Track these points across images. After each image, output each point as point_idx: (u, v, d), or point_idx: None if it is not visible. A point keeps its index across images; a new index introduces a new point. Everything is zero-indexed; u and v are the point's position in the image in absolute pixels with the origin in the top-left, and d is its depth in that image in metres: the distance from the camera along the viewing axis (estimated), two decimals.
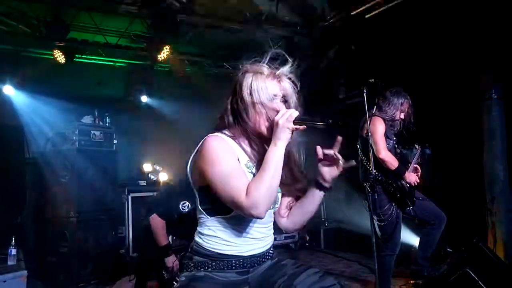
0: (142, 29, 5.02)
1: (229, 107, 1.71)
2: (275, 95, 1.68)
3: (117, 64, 6.28)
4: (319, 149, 1.68)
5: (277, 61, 1.73)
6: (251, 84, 1.67)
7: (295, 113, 1.59)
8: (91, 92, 5.97)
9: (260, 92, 1.66)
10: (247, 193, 1.52)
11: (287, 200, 1.85)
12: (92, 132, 4.99)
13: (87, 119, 5.20)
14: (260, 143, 1.70)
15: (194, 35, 5.51)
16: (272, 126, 1.61)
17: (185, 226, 3.07)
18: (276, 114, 1.62)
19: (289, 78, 1.73)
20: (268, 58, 1.73)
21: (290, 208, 1.85)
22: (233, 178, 1.56)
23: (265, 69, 1.71)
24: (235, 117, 1.69)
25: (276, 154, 1.58)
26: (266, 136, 1.65)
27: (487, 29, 4.28)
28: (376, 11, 5.10)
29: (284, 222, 1.87)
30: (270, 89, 1.67)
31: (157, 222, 3.29)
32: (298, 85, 1.74)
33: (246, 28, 5.42)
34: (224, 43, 6.19)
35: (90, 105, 5.34)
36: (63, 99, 5.48)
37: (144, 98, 6.49)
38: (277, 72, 1.71)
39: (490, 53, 4.37)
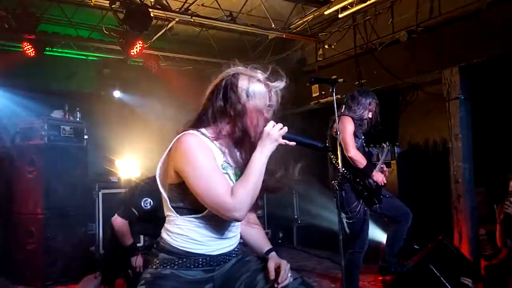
0: (115, 23, 4.94)
1: (216, 105, 1.67)
2: (266, 104, 1.68)
3: (89, 58, 6.16)
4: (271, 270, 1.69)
5: (272, 74, 1.72)
6: (248, 87, 1.65)
7: (285, 129, 1.62)
8: (61, 86, 5.84)
9: (258, 98, 1.65)
10: (232, 195, 1.52)
11: None
12: (62, 127, 4.89)
13: (57, 114, 5.10)
14: (239, 147, 1.69)
15: (168, 31, 5.46)
16: (260, 133, 1.62)
17: (151, 224, 3.05)
18: (264, 123, 1.62)
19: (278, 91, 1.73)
20: (268, 71, 1.72)
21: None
22: (214, 179, 1.55)
23: (260, 75, 1.70)
24: (221, 116, 1.66)
25: (261, 161, 1.59)
26: (248, 142, 1.64)
27: None
28: (350, 11, 5.16)
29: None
30: (265, 97, 1.68)
31: (118, 222, 3.26)
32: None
33: (221, 25, 5.40)
34: (198, 40, 6.17)
35: (61, 99, 5.22)
36: (32, 92, 5.35)
37: (117, 93, 6.39)
38: (271, 84, 1.70)
39: None
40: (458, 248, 3.99)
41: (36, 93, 5.34)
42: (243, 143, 1.65)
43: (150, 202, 3.15)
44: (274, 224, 6.44)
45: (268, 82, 1.69)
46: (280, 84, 1.72)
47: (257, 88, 1.66)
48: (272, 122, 1.62)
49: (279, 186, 1.78)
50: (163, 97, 6.30)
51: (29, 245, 4.53)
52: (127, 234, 3.28)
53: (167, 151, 1.68)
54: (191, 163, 1.55)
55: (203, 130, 1.68)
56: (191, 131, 1.64)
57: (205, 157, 1.57)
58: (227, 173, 1.65)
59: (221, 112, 1.65)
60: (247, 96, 1.64)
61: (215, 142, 1.67)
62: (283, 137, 1.62)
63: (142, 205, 3.16)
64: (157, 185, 1.72)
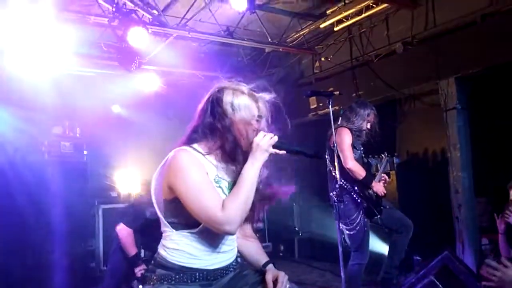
0: (113, 39, 4.99)
1: (205, 121, 1.70)
2: (253, 115, 1.70)
3: (88, 74, 6.20)
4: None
5: (258, 87, 1.76)
6: (232, 101, 1.68)
7: (275, 138, 1.64)
8: (61, 102, 5.86)
9: (243, 110, 1.67)
10: (223, 209, 1.54)
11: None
12: (62, 143, 4.91)
13: (57, 130, 5.12)
14: (232, 160, 1.69)
15: (167, 46, 5.51)
16: (248, 145, 1.64)
17: (152, 238, 3.05)
18: (255, 134, 1.65)
19: (266, 101, 1.75)
20: (254, 85, 1.76)
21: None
22: (206, 193, 1.57)
23: (245, 88, 1.73)
24: (211, 131, 1.68)
25: (252, 174, 1.61)
26: (241, 154, 1.66)
27: None
28: (345, 24, 5.23)
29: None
30: (251, 108, 1.70)
31: (123, 231, 3.30)
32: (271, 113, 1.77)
33: (218, 40, 5.46)
34: (196, 54, 6.22)
35: (60, 115, 5.24)
36: (32, 109, 5.36)
37: (116, 108, 6.42)
38: (257, 95, 1.73)
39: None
40: (461, 259, 3.97)
41: (36, 109, 5.35)
42: (235, 156, 1.67)
43: (155, 212, 3.17)
44: (275, 237, 6.42)
45: (253, 93, 1.73)
46: (266, 94, 1.75)
47: (241, 101, 1.69)
48: (262, 133, 1.65)
49: (273, 194, 1.79)
50: (163, 112, 6.32)
51: (28, 259, 4.51)
52: (131, 243, 3.32)
53: (160, 166, 1.71)
54: (183, 179, 1.58)
55: (195, 145, 1.70)
56: (183, 147, 1.67)
57: (196, 173, 1.60)
58: (220, 187, 1.67)
59: (211, 128, 1.68)
60: (232, 109, 1.67)
61: (207, 157, 1.69)
62: (274, 146, 1.64)
63: (147, 213, 3.18)
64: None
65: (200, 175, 1.60)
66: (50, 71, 5.20)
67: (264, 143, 1.62)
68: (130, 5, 4.60)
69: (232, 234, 1.61)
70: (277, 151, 1.65)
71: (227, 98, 1.68)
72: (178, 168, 1.60)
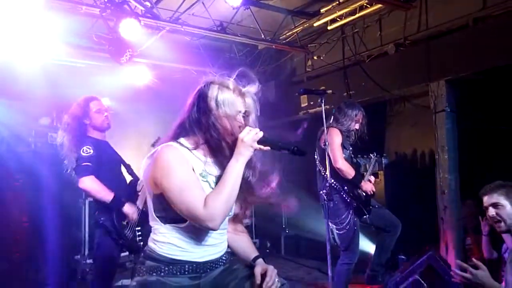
0: (104, 31, 4.93)
1: (192, 116, 1.70)
2: (239, 111, 1.70)
3: (77, 65, 6.11)
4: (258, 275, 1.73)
5: (243, 79, 1.77)
6: (217, 96, 1.68)
7: (260, 133, 1.64)
8: (49, 93, 5.78)
9: (227, 106, 1.67)
10: (205, 205, 1.55)
11: (239, 208, 1.86)
12: (50, 134, 4.85)
13: (44, 121, 5.05)
14: (219, 155, 1.70)
15: (159, 39, 5.46)
16: (235, 140, 1.64)
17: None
18: (240, 129, 1.65)
19: (253, 96, 1.76)
20: (235, 74, 1.76)
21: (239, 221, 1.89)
22: (189, 190, 1.58)
23: (231, 83, 1.73)
24: (198, 126, 1.69)
25: (236, 169, 1.62)
26: (227, 149, 1.67)
27: None
28: (338, 23, 5.24)
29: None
30: (236, 104, 1.69)
31: (85, 182, 3.01)
32: (258, 107, 1.78)
33: (211, 35, 5.43)
34: (189, 49, 6.18)
35: (48, 106, 5.17)
36: (19, 99, 5.28)
37: (106, 101, 6.34)
38: (243, 89, 1.74)
39: None
40: (445, 259, 4.03)
41: (24, 100, 5.27)
42: (222, 151, 1.68)
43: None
44: (262, 233, 6.43)
45: (240, 89, 1.73)
46: (251, 88, 1.76)
47: (226, 96, 1.69)
48: (247, 128, 1.65)
49: (268, 197, 1.80)
50: (152, 105, 6.27)
51: (14, 253, 4.46)
52: (103, 188, 3.04)
53: (146, 157, 1.72)
54: (167, 177, 1.59)
55: (182, 140, 1.71)
56: (169, 143, 1.68)
57: (180, 170, 1.61)
58: (207, 181, 1.68)
59: (197, 122, 1.69)
60: (217, 105, 1.67)
61: (194, 151, 1.70)
62: (258, 142, 1.64)
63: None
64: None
65: (184, 172, 1.61)
66: (39, 61, 5.12)
67: (249, 138, 1.62)
68: None
69: (214, 230, 1.61)
70: (262, 146, 1.65)
71: (213, 93, 1.69)
72: (162, 165, 1.61)
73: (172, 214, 1.63)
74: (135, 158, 3.83)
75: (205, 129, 1.67)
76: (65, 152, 3.10)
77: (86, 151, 3.05)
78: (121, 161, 3.48)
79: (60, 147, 3.14)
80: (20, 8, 4.13)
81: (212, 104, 1.67)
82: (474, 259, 2.07)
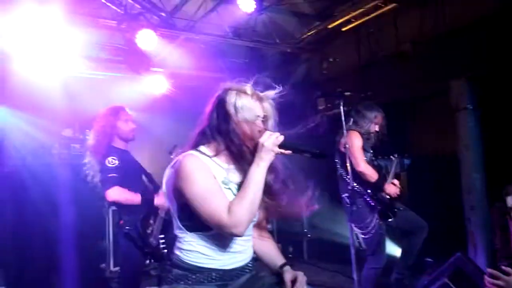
0: (122, 42, 5.03)
1: (212, 123, 1.72)
2: (258, 116, 1.71)
3: (97, 77, 6.22)
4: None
5: (261, 83, 1.78)
6: (235, 102, 1.69)
7: (281, 137, 1.64)
8: (71, 105, 5.89)
9: (245, 111, 1.69)
10: (229, 212, 1.55)
11: (262, 214, 1.85)
12: (72, 145, 4.95)
13: (67, 132, 5.16)
14: (241, 161, 1.71)
15: (175, 48, 5.53)
16: (255, 146, 1.65)
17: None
18: (259, 134, 1.65)
19: (271, 101, 1.77)
20: (252, 80, 1.78)
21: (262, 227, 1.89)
22: (212, 198, 1.59)
23: (248, 88, 1.74)
24: (218, 133, 1.70)
25: (258, 174, 1.62)
26: (249, 154, 1.67)
27: None
28: (353, 24, 5.20)
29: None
30: (254, 109, 1.70)
31: (112, 192, 3.07)
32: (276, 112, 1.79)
33: (226, 41, 5.46)
34: (205, 56, 6.22)
35: (70, 118, 5.26)
36: (43, 112, 5.40)
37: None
38: (261, 94, 1.75)
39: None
40: (474, 261, 3.92)
41: (46, 113, 5.39)
42: (243, 157, 1.69)
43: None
44: (283, 238, 6.39)
45: (258, 94, 1.74)
46: (269, 93, 1.77)
47: (244, 102, 1.70)
48: (268, 132, 1.65)
49: (290, 204, 1.79)
50: (169, 113, 6.32)
51: (39, 261, 4.54)
52: (130, 193, 3.11)
53: (169, 167, 1.73)
54: (189, 185, 1.61)
55: (202, 148, 1.73)
56: (190, 152, 1.70)
57: (202, 178, 1.62)
58: (229, 188, 1.69)
59: (217, 130, 1.71)
60: (235, 111, 1.68)
61: (215, 159, 1.71)
62: (279, 146, 1.64)
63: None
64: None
65: (206, 180, 1.62)
66: (59, 74, 5.24)
67: (269, 143, 1.62)
68: (138, 7, 4.62)
69: (240, 236, 1.62)
70: (283, 150, 1.66)
71: (231, 99, 1.70)
72: (185, 174, 1.63)
73: (197, 223, 1.64)
74: (153, 166, 3.89)
75: (225, 135, 1.68)
76: (90, 162, 3.16)
77: (112, 161, 3.10)
78: (142, 170, 3.52)
79: (85, 157, 3.19)
80: (40, 23, 4.25)
81: (231, 110, 1.68)
82: (503, 267, 2.01)
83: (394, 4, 4.78)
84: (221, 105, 1.71)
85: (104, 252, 5.02)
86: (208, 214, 1.57)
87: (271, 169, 1.70)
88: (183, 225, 1.70)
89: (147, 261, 3.35)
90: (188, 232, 1.68)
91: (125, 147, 3.39)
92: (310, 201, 1.82)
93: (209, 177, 1.64)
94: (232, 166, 1.73)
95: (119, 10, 4.52)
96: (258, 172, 1.62)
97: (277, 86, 1.78)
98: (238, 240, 1.71)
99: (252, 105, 1.70)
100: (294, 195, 1.81)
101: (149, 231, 3.21)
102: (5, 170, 5.03)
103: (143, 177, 3.49)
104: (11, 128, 5.34)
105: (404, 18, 5.18)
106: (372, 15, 4.99)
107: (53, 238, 4.55)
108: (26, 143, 4.99)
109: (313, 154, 1.65)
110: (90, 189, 4.85)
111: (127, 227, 3.14)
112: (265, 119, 1.74)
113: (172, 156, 3.41)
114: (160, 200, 3.17)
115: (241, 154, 1.68)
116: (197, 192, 1.59)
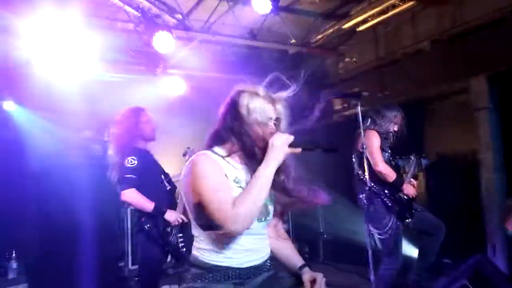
0: (139, 44, 5.09)
1: (226, 124, 1.75)
2: (270, 118, 1.73)
3: (115, 79, 6.31)
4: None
5: (275, 84, 1.80)
6: (247, 104, 1.72)
7: (291, 137, 1.67)
8: (89, 107, 6.00)
9: (258, 113, 1.71)
10: (233, 206, 1.58)
11: (277, 213, 1.87)
12: (92, 146, 5.03)
13: (87, 134, 5.25)
14: (253, 161, 1.72)
15: (192, 49, 5.57)
16: (266, 146, 1.67)
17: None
18: (271, 135, 1.68)
19: (284, 102, 1.79)
20: (266, 81, 1.80)
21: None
22: (218, 192, 1.62)
23: (261, 90, 1.76)
24: (232, 134, 1.73)
25: (266, 173, 1.64)
26: (261, 155, 1.69)
27: None
28: (369, 23, 5.16)
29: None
30: (266, 111, 1.72)
31: (128, 194, 3.09)
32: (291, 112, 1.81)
33: (242, 42, 5.48)
34: (221, 57, 6.26)
35: (90, 119, 5.36)
36: (63, 114, 5.51)
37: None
38: (274, 96, 1.76)
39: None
40: (495, 264, 3.85)
41: (67, 114, 5.50)
42: (256, 157, 1.71)
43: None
44: (299, 238, 6.38)
45: (270, 95, 1.76)
46: (282, 94, 1.77)
47: (257, 103, 1.72)
48: (279, 134, 1.68)
49: (303, 198, 1.80)
50: (186, 115, 6.37)
51: (61, 259, 4.63)
52: (144, 199, 3.11)
53: (184, 167, 1.77)
54: (199, 181, 1.65)
55: (216, 148, 1.77)
56: (202, 152, 1.74)
57: (212, 174, 1.66)
58: (240, 187, 1.70)
59: (230, 130, 1.74)
60: (248, 112, 1.71)
61: (227, 159, 1.74)
62: (289, 146, 1.66)
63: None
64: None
65: (216, 176, 1.66)
66: (79, 77, 5.33)
67: (279, 143, 1.64)
68: (155, 10, 4.67)
69: (238, 232, 1.63)
70: (293, 149, 1.67)
71: (244, 101, 1.73)
72: (196, 172, 1.67)
73: (210, 221, 1.66)
74: (170, 167, 3.93)
75: (238, 136, 1.71)
76: (112, 162, 3.20)
77: (131, 162, 3.12)
78: (161, 171, 3.55)
79: (107, 158, 3.24)
80: (60, 29, 4.34)
81: (244, 111, 1.71)
82: None
83: (412, 2, 4.73)
84: (234, 107, 1.74)
85: (123, 251, 5.09)
86: (215, 209, 1.59)
87: (283, 168, 1.72)
88: (198, 225, 1.73)
89: (168, 260, 3.39)
90: (203, 231, 1.72)
91: (147, 147, 3.42)
92: (322, 193, 1.82)
93: (219, 174, 1.67)
94: (244, 166, 1.75)
95: (136, 13, 4.58)
96: (266, 171, 1.63)
97: (292, 86, 1.79)
98: (252, 239, 1.73)
99: (265, 107, 1.73)
100: (308, 189, 1.81)
101: (168, 230, 3.25)
102: (28, 171, 5.16)
103: (162, 177, 3.52)
104: (33, 129, 5.48)
105: (422, 16, 5.11)
106: (390, 13, 4.94)
107: (73, 236, 4.64)
108: (48, 144, 5.10)
109: (325, 149, 1.67)
110: (109, 188, 4.97)
111: (148, 225, 3.18)
112: (277, 121, 1.77)
113: (186, 158, 3.47)
114: (171, 216, 3.20)
115: (253, 155, 1.71)
116: (206, 188, 1.62)
